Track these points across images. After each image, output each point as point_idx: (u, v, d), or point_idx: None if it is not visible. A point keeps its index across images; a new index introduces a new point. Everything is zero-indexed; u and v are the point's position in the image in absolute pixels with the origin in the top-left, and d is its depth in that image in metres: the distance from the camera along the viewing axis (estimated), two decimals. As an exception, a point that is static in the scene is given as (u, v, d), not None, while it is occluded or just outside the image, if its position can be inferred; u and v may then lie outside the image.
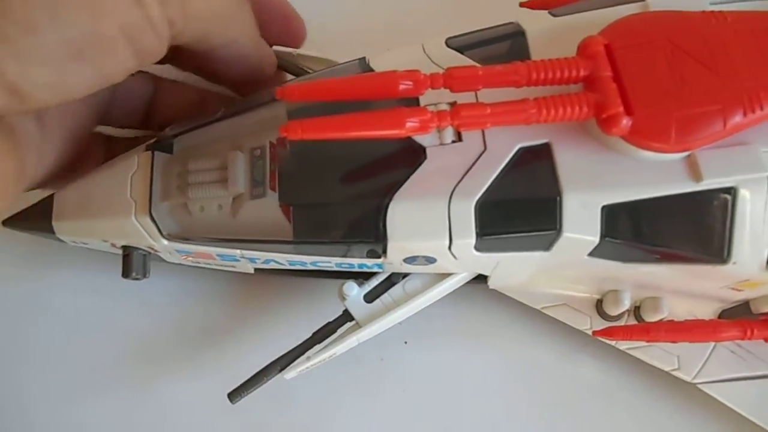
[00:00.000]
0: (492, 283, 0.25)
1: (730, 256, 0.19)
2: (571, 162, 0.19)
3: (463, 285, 0.25)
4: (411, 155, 0.20)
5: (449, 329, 0.27)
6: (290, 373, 0.23)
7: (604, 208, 0.19)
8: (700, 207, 0.19)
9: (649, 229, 0.20)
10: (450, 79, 0.18)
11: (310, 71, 0.25)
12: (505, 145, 0.20)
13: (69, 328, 0.28)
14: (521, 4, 0.26)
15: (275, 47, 0.25)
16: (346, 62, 0.23)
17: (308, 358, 0.23)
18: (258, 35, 0.22)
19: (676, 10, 0.20)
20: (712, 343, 0.24)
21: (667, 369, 0.24)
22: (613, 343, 0.25)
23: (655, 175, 0.19)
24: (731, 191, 0.19)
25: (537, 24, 0.22)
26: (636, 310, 0.25)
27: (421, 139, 0.20)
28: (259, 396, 0.23)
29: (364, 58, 0.23)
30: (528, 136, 0.20)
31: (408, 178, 0.20)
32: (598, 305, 0.25)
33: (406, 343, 0.27)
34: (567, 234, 0.19)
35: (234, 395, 0.23)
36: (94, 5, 0.16)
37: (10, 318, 0.28)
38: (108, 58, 0.17)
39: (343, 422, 0.26)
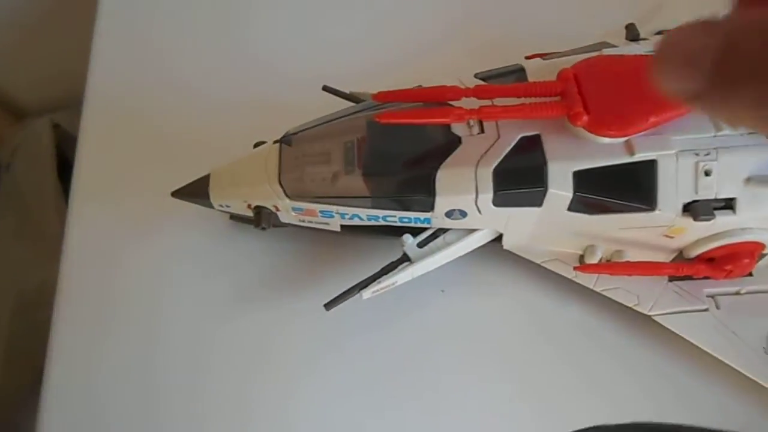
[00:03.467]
0: (505, 243, 0.35)
1: (656, 204, 0.30)
2: (554, 144, 0.30)
3: (484, 246, 0.35)
4: (451, 142, 0.31)
5: (475, 280, 0.37)
6: (366, 293, 0.33)
7: (575, 173, 0.30)
8: (635, 172, 0.30)
9: (604, 187, 0.30)
10: (478, 92, 0.30)
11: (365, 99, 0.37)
12: (512, 134, 0.31)
13: (199, 274, 0.39)
14: (526, 57, 0.38)
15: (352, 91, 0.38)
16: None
17: (378, 283, 0.33)
18: None
19: (620, 54, 0.32)
20: (663, 284, 0.34)
21: (630, 305, 0.34)
22: (591, 285, 0.35)
23: (606, 151, 0.30)
24: (653, 162, 0.29)
25: (533, 65, 0.34)
26: (608, 262, 0.35)
27: (457, 130, 0.31)
28: (343, 313, 0.33)
29: (420, 86, 0.34)
30: (526, 129, 0.31)
31: (449, 155, 0.31)
32: (580, 259, 0.35)
33: (443, 291, 0.38)
34: (551, 190, 0.30)
35: (329, 305, 0.33)
36: None
37: (167, 265, 0.39)
38: None
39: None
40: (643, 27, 0.39)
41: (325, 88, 0.39)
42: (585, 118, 0.29)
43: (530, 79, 0.33)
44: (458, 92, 0.30)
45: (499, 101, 0.30)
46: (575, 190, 0.30)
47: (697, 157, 0.29)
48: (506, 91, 0.30)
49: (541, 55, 0.38)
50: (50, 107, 0.71)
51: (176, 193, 0.36)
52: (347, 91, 0.39)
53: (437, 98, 0.30)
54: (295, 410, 0.35)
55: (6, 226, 0.64)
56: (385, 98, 0.30)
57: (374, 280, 0.33)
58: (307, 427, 0.35)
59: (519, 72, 0.33)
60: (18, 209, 0.64)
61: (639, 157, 0.29)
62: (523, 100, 0.30)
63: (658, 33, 0.40)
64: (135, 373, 0.36)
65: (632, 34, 0.36)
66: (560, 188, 0.30)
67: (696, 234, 0.32)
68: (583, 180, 0.30)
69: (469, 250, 0.35)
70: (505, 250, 0.36)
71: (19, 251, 0.63)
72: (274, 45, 0.48)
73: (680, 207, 0.30)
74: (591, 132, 0.29)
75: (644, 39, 0.36)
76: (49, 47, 0.68)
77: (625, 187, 0.30)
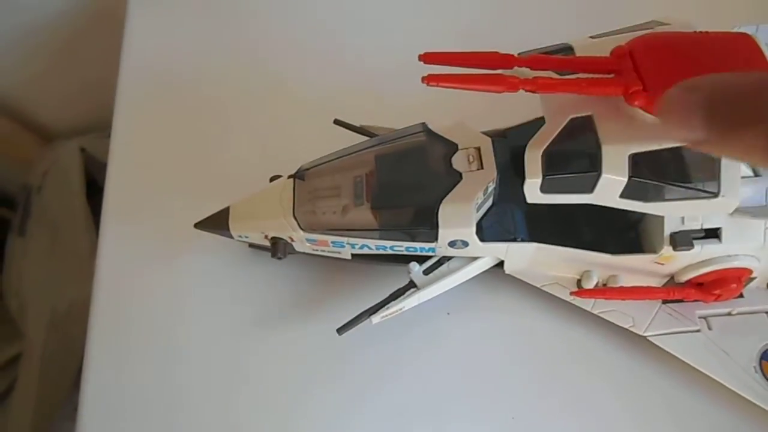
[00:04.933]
0: (507, 268, 0.37)
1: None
2: (607, 126, 0.28)
3: (487, 271, 0.38)
4: (453, 177, 0.33)
5: (479, 303, 0.39)
6: (376, 318, 0.36)
7: (630, 155, 0.27)
8: (690, 155, 0.28)
9: (662, 170, 0.28)
10: (532, 61, 0.28)
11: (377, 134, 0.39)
12: (562, 116, 0.29)
13: (219, 298, 0.41)
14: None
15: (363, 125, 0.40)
16: (409, 126, 0.37)
17: (387, 308, 0.35)
18: None
19: (674, 31, 0.30)
20: (657, 306, 0.36)
21: (625, 326, 0.36)
22: (589, 308, 0.37)
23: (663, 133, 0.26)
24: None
25: (582, 43, 0.31)
26: (603, 286, 0.37)
27: (458, 165, 0.33)
28: (354, 336, 0.36)
29: (424, 123, 0.36)
30: (577, 110, 0.28)
31: (452, 189, 0.33)
32: (578, 283, 0.37)
33: (448, 314, 0.40)
34: (606, 175, 0.28)
35: (341, 330, 0.35)
36: None
37: (189, 288, 0.42)
38: None
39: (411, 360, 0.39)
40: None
41: (337, 122, 0.41)
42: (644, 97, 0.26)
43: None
44: (511, 60, 0.28)
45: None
46: (631, 174, 0.28)
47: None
48: (561, 63, 0.28)
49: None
50: (76, 131, 0.75)
51: (199, 225, 0.39)
52: (358, 125, 0.41)
53: (489, 65, 0.28)
54: (307, 428, 0.37)
55: (39, 247, 0.68)
56: (432, 60, 0.27)
57: (383, 306, 0.36)
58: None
59: (567, 50, 0.31)
60: (49, 230, 0.68)
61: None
62: (578, 75, 0.28)
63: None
64: (161, 390, 0.39)
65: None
66: (614, 173, 0.28)
67: (684, 261, 0.33)
68: (640, 163, 0.28)
69: (473, 275, 0.37)
70: (507, 275, 0.38)
71: (51, 270, 0.66)
72: (291, 82, 0.50)
73: (668, 236, 0.32)
74: (648, 112, 0.26)
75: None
76: (76, 74, 0.72)
77: (681, 170, 0.28)
